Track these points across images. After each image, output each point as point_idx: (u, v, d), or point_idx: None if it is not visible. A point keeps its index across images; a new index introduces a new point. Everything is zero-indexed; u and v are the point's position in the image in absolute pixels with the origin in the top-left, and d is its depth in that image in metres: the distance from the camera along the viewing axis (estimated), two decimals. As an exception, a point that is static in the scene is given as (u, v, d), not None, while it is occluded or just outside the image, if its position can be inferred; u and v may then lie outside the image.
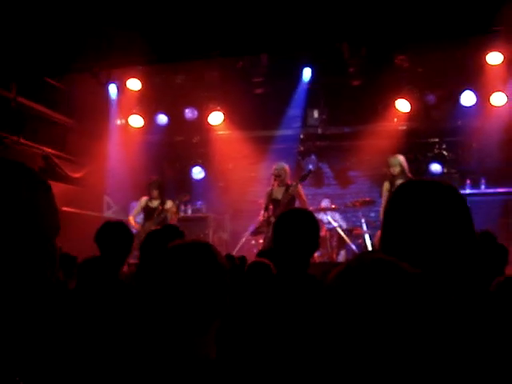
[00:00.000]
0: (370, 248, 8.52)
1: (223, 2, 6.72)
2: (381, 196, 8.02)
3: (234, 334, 2.50)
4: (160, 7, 6.79)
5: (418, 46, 8.33)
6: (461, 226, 1.47)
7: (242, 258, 5.64)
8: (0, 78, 7.47)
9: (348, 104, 9.86)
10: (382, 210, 7.73)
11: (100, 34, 6.97)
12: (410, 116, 9.44)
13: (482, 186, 8.76)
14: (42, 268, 1.21)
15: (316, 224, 2.94)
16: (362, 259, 1.03)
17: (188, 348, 1.62)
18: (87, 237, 4.02)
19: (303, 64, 9.55)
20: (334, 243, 8.86)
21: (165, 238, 3.25)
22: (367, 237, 8.71)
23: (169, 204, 8.26)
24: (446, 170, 9.75)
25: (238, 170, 10.72)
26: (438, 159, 9.79)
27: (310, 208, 7.87)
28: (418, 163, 9.59)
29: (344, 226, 9.19)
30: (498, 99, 8.61)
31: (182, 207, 10.09)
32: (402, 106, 9.18)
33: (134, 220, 8.33)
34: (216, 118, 10.01)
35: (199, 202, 10.53)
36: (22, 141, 7.96)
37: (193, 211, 10.26)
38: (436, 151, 9.84)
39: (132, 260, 4.77)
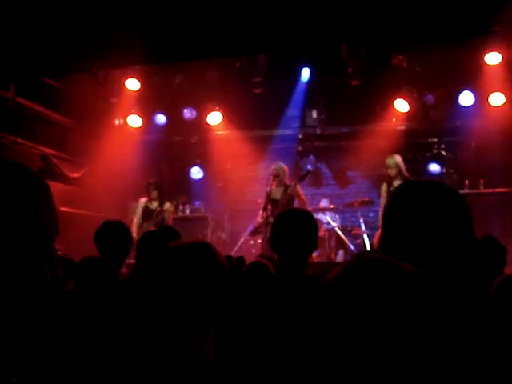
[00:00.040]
0: (368, 248, 8.53)
1: (223, 2, 6.72)
2: (379, 196, 8.02)
3: (233, 335, 2.50)
4: (160, 7, 6.79)
5: (416, 46, 8.33)
6: (460, 226, 1.47)
7: (240, 259, 5.62)
8: (-2, 77, 7.48)
9: (346, 104, 9.86)
10: (380, 211, 7.73)
11: (100, 34, 6.96)
12: (409, 116, 9.44)
13: (481, 186, 8.75)
14: (41, 268, 1.21)
15: (314, 224, 2.94)
16: (361, 259, 1.03)
17: (187, 348, 1.62)
18: (86, 237, 4.02)
19: (302, 64, 9.56)
20: (333, 243, 8.86)
21: (160, 238, 3.25)
22: (366, 237, 8.71)
23: (167, 205, 8.27)
24: (444, 170, 9.75)
25: (236, 169, 10.72)
26: (437, 159, 9.79)
27: (309, 208, 7.88)
28: (416, 163, 9.59)
29: (342, 225, 9.20)
30: (496, 99, 8.62)
31: (180, 207, 10.09)
32: (401, 106, 9.18)
33: (136, 222, 8.33)
34: (215, 117, 10.00)
35: (198, 202, 10.53)
36: (20, 141, 7.95)
37: (191, 211, 10.25)
38: (435, 151, 9.85)
39: (131, 260, 4.77)
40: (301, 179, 7.73)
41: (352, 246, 8.74)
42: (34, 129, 8.37)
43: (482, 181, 8.77)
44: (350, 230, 9.20)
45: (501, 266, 3.33)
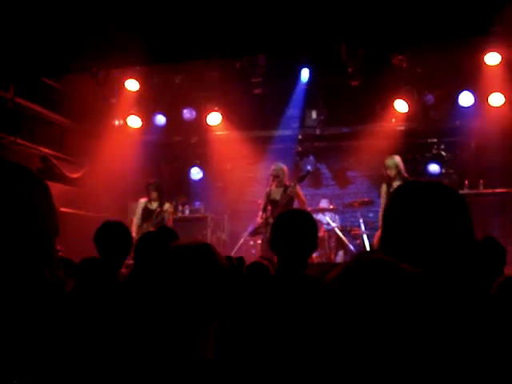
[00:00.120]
0: (368, 248, 8.52)
1: (222, 3, 6.72)
2: (379, 196, 8.02)
3: (233, 335, 2.50)
4: (159, 7, 6.79)
5: (416, 46, 8.33)
6: (459, 227, 1.47)
7: (240, 259, 5.62)
8: (-2, 78, 7.48)
9: (346, 104, 9.86)
10: (380, 212, 7.74)
11: (99, 34, 6.96)
12: (409, 116, 9.44)
13: (481, 187, 8.76)
14: (41, 269, 1.21)
15: (314, 225, 2.94)
16: (361, 259, 1.03)
17: (187, 348, 1.62)
18: (85, 237, 4.02)
19: (302, 64, 9.55)
20: (333, 244, 8.87)
21: (158, 240, 3.25)
22: (365, 237, 8.72)
23: (167, 205, 8.27)
24: (444, 171, 9.75)
25: (236, 170, 10.72)
26: (437, 159, 9.79)
27: (309, 209, 7.88)
28: (416, 163, 9.59)
29: (341, 226, 9.20)
30: (496, 100, 8.62)
31: (180, 207, 10.09)
32: (401, 106, 9.18)
33: (136, 222, 8.33)
34: (214, 118, 10.00)
35: (197, 203, 10.53)
36: (20, 141, 7.95)
37: (191, 211, 10.25)
38: (434, 151, 9.84)
39: (131, 261, 4.77)
40: (300, 180, 7.73)
41: (352, 247, 8.74)
42: (34, 129, 8.37)
43: (481, 181, 8.77)
44: (350, 231, 9.21)
45: (500, 266, 3.33)
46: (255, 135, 10.45)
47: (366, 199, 9.25)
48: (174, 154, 10.89)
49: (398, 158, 7.57)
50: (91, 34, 6.97)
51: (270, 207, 7.52)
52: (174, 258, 1.75)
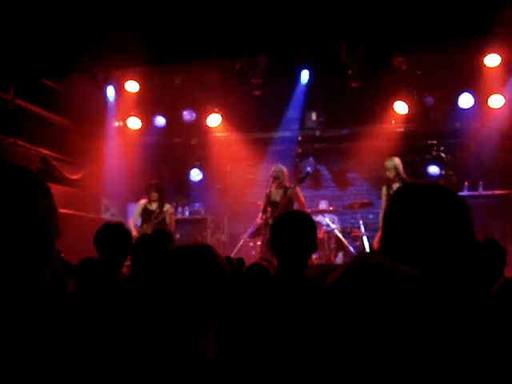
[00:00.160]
0: (368, 250, 8.52)
1: (222, 3, 6.73)
2: (379, 198, 8.02)
3: (233, 336, 2.49)
4: (159, 8, 6.79)
5: (416, 47, 8.34)
6: (460, 229, 1.47)
7: (240, 260, 5.62)
8: (-2, 79, 7.48)
9: (346, 106, 9.88)
10: (381, 213, 7.73)
11: (99, 35, 6.97)
12: (408, 118, 9.45)
13: (480, 188, 8.76)
14: (41, 269, 1.21)
15: (313, 226, 2.94)
16: (361, 262, 1.03)
17: (187, 349, 1.62)
18: (85, 239, 4.02)
19: (301, 66, 9.56)
20: (332, 245, 8.86)
21: (155, 242, 3.25)
22: (365, 239, 8.71)
23: (167, 206, 8.27)
24: (444, 172, 9.75)
25: (236, 171, 10.73)
26: (436, 161, 9.80)
27: (308, 210, 7.87)
28: (415, 165, 9.59)
29: (341, 227, 9.20)
30: (495, 101, 8.63)
31: (180, 209, 10.09)
32: (400, 107, 9.18)
33: (134, 223, 8.32)
34: (214, 119, 10.00)
35: (197, 204, 10.54)
36: (19, 142, 7.95)
37: (191, 213, 10.26)
38: (434, 153, 9.85)
39: (129, 262, 4.76)
40: (300, 181, 7.72)
41: (351, 248, 8.74)
42: (34, 131, 8.37)
43: (481, 183, 8.78)
44: (350, 232, 9.20)
45: (501, 267, 3.33)
46: (255, 137, 10.45)
47: (366, 201, 9.24)
48: (174, 156, 10.89)
49: (397, 160, 7.56)
50: (91, 34, 6.97)
51: (269, 209, 7.51)
52: (174, 259, 1.75)
